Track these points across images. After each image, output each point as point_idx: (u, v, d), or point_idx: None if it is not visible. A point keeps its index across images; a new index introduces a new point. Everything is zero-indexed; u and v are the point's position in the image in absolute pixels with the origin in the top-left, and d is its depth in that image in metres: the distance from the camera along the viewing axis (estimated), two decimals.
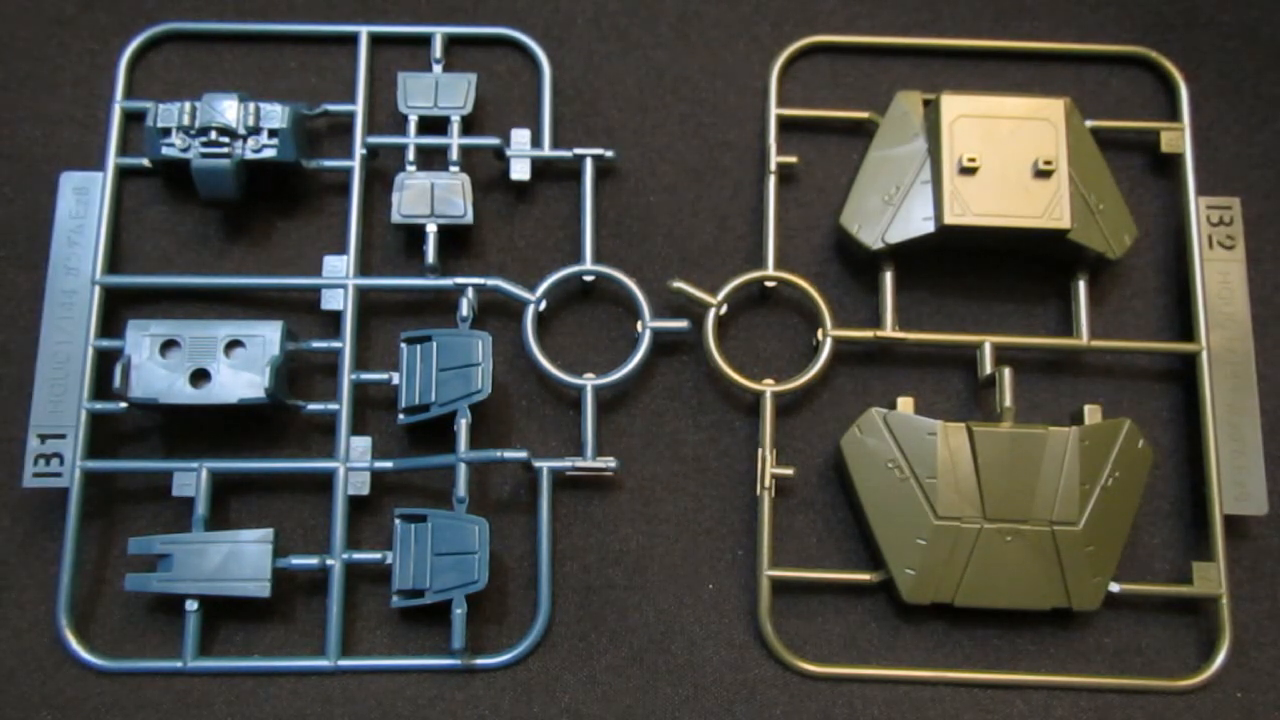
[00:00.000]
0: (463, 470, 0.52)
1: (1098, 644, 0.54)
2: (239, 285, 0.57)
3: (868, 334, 0.56)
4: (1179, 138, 0.59)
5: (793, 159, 0.58)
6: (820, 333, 0.56)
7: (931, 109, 0.56)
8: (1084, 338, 0.56)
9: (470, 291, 0.55)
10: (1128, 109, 0.61)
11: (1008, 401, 0.53)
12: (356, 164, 0.58)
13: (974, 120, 0.55)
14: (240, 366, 0.52)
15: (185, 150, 0.55)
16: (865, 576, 0.53)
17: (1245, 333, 0.56)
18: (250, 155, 0.55)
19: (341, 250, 0.57)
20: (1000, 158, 0.54)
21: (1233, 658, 0.53)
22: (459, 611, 0.50)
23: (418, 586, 0.51)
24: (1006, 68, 0.61)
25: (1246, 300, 0.56)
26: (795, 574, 0.54)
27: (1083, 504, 0.52)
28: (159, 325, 0.53)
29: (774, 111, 0.59)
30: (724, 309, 0.56)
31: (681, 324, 0.55)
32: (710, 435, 0.56)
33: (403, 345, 0.54)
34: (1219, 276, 0.57)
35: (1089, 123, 0.57)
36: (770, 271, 0.57)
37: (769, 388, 0.55)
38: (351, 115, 0.59)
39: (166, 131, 0.55)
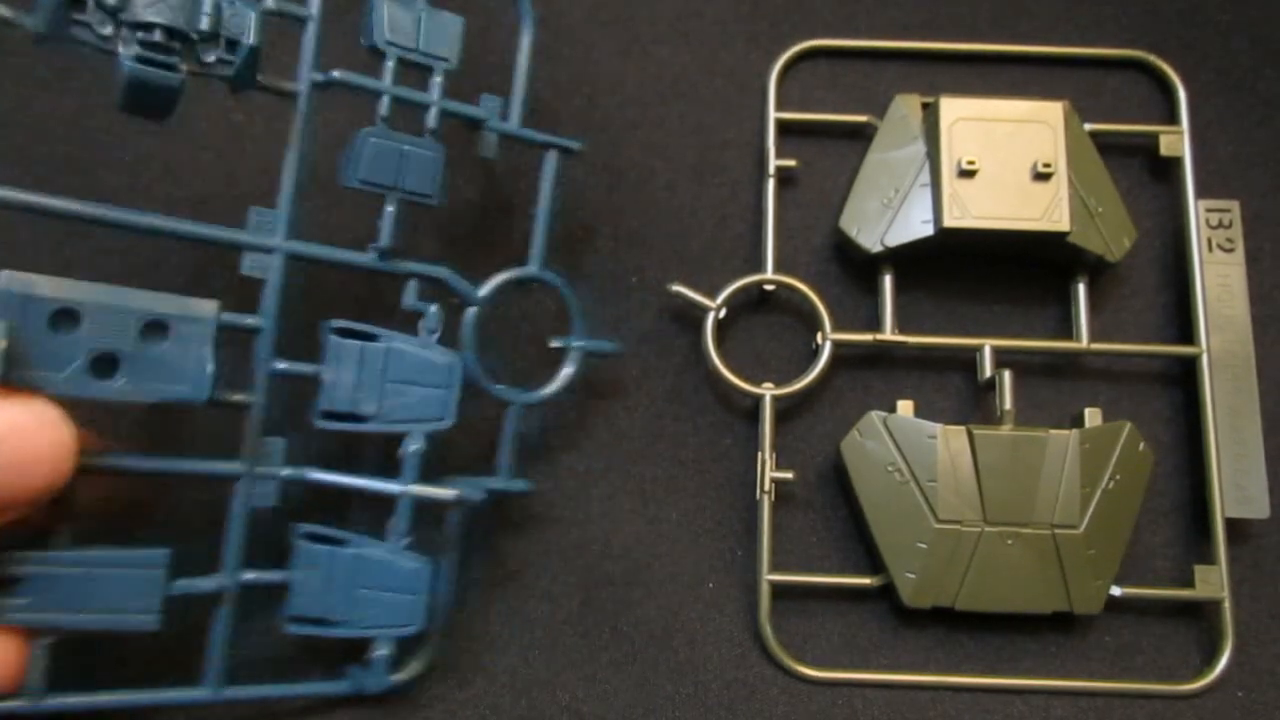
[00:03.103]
0: (406, 504, 0.45)
1: (1099, 647, 0.53)
2: (133, 222, 0.42)
3: (867, 337, 0.56)
4: (1178, 141, 0.59)
5: (792, 162, 0.58)
6: (820, 336, 0.56)
7: (930, 112, 0.56)
8: (1084, 340, 0.56)
9: (415, 283, 0.47)
10: (1126, 112, 0.61)
11: (1008, 404, 0.53)
12: (303, 93, 0.45)
13: (973, 123, 0.55)
14: (161, 357, 0.40)
15: (111, 42, 0.39)
16: (866, 580, 0.53)
17: (1245, 335, 0.56)
18: (197, 70, 0.41)
19: (272, 204, 0.45)
20: (999, 160, 0.54)
21: (1235, 660, 0.53)
22: (382, 653, 0.45)
23: (326, 616, 0.45)
24: (1005, 71, 0.61)
25: (1246, 303, 0.56)
26: (795, 578, 0.53)
27: (1084, 507, 0.52)
28: (44, 284, 0.38)
29: (773, 115, 0.59)
30: (723, 312, 0.56)
31: (607, 346, 0.53)
32: (710, 438, 0.56)
33: (330, 336, 0.45)
34: (1219, 279, 0.57)
35: (1087, 126, 0.57)
36: (769, 275, 0.57)
37: (769, 391, 0.55)
38: (303, 21, 0.44)
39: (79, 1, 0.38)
